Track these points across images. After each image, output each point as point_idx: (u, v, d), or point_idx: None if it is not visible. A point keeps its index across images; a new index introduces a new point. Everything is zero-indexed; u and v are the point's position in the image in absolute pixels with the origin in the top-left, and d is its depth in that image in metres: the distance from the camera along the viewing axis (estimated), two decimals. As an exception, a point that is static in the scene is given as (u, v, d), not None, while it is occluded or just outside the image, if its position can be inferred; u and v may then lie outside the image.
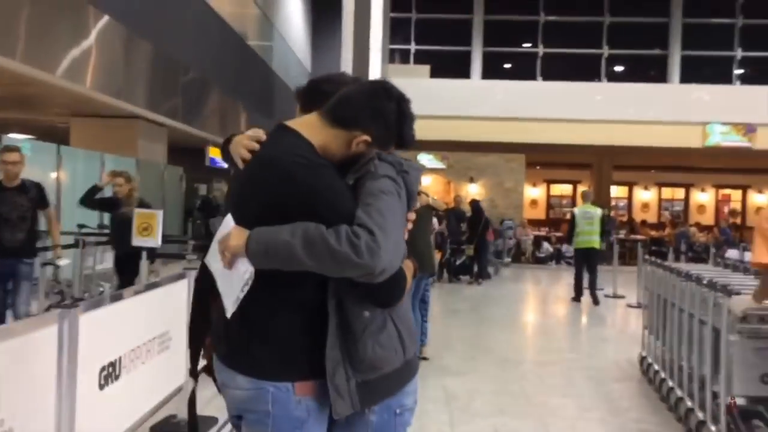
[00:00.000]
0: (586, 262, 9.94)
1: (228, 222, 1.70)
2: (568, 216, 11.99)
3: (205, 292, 1.80)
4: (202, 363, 1.89)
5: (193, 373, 1.90)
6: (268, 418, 1.64)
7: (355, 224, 1.57)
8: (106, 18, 7.40)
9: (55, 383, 2.30)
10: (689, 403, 4.25)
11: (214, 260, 1.72)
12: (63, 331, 2.30)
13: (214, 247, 1.72)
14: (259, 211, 1.64)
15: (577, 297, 10.02)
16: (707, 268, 5.54)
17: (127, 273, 5.97)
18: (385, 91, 1.74)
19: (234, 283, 1.65)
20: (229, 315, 1.66)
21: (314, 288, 1.65)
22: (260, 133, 1.77)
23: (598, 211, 10.04)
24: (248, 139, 1.75)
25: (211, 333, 1.86)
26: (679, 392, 4.50)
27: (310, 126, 1.72)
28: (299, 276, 1.60)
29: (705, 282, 4.08)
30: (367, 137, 1.70)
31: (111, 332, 2.79)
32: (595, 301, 9.70)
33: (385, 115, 1.72)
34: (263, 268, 1.60)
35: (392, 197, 1.67)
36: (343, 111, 1.71)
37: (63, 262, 6.22)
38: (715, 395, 3.82)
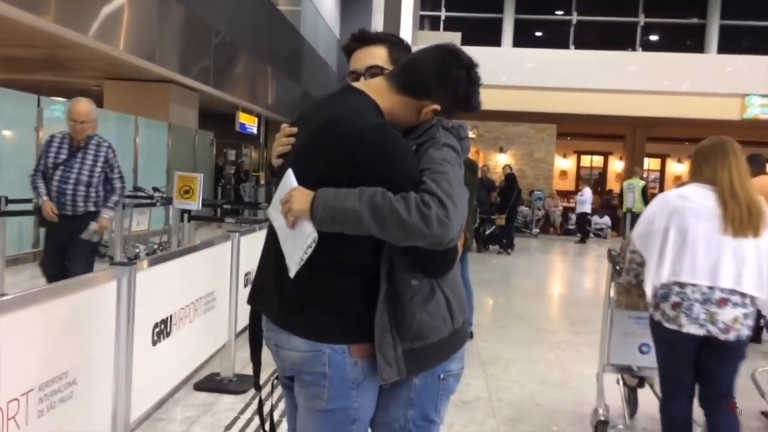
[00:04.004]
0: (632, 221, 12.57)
1: (289, 179, 1.64)
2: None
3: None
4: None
5: (257, 385, 1.92)
6: (325, 380, 1.64)
7: (422, 191, 1.53)
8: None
9: (114, 337, 2.34)
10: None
11: (276, 216, 1.68)
12: (122, 287, 2.34)
13: (276, 202, 1.68)
14: (324, 170, 1.61)
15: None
16: None
17: None
18: (455, 58, 1.68)
19: (297, 245, 1.60)
20: (292, 275, 1.62)
21: (370, 253, 1.63)
22: (290, 129, 1.77)
23: (640, 183, 13.86)
24: (281, 145, 1.76)
25: (254, 291, 1.85)
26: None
27: (378, 89, 1.69)
28: (357, 240, 1.57)
29: None
30: (437, 106, 1.68)
31: (164, 290, 2.83)
32: None
33: (456, 85, 1.68)
34: (328, 231, 1.56)
35: (456, 167, 1.63)
36: (413, 80, 1.67)
37: None
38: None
